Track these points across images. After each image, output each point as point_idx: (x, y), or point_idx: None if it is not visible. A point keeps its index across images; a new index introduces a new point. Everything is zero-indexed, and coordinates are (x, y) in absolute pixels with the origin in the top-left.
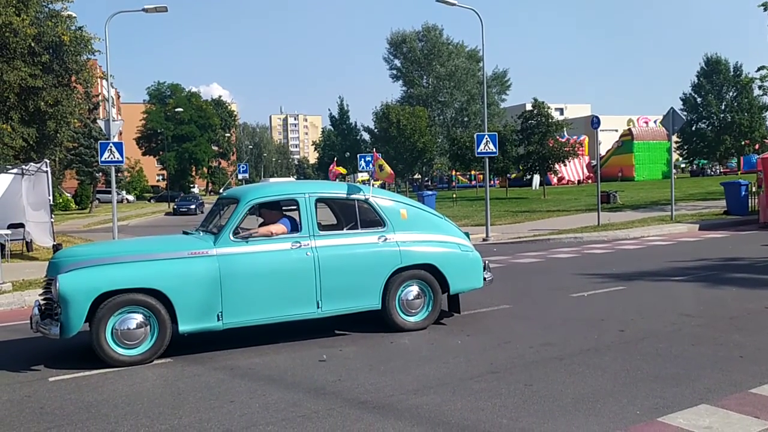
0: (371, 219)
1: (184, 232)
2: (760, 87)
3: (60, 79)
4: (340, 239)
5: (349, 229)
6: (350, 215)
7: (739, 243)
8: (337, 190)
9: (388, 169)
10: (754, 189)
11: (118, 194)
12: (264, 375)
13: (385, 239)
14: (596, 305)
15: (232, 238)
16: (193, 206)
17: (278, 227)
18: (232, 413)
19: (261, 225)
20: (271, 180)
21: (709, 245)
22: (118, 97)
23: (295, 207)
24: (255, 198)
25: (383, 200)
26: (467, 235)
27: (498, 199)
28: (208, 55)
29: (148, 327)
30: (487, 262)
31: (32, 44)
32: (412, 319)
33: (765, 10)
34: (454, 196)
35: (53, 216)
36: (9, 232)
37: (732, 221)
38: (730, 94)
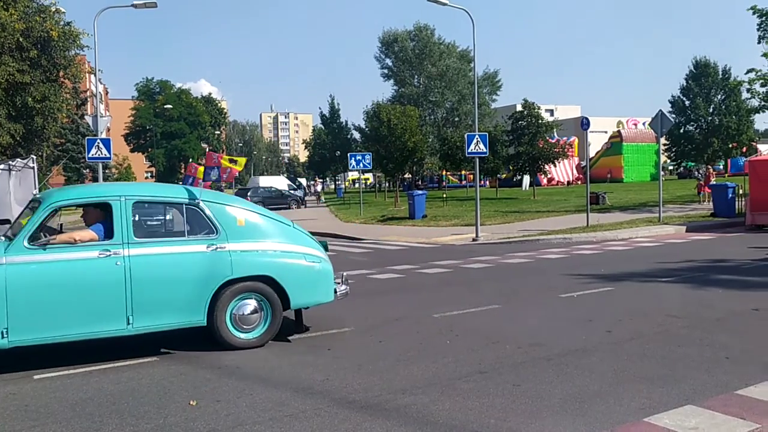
0: (201, 225)
1: None
2: (748, 90)
3: (48, 74)
4: (160, 248)
5: (174, 236)
6: (177, 221)
7: (725, 245)
8: (160, 192)
9: (241, 159)
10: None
11: None
12: (251, 374)
13: (216, 248)
14: (584, 306)
15: (27, 245)
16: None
17: (85, 233)
18: (219, 412)
19: (74, 230)
20: (261, 178)
21: (696, 247)
22: (107, 93)
23: (109, 211)
24: (57, 201)
25: (217, 205)
26: (324, 245)
27: (488, 200)
28: (195, 51)
29: None
30: (344, 274)
31: (20, 39)
32: (246, 335)
33: (754, 13)
34: (444, 196)
35: None
36: None
37: (719, 223)
38: (719, 97)
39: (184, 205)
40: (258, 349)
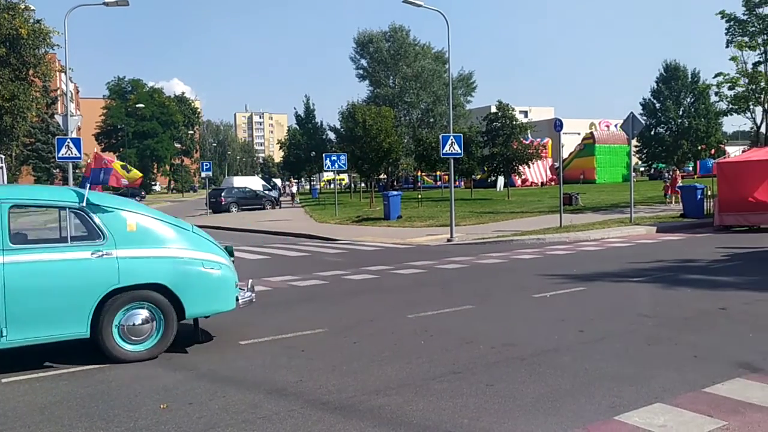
0: (87, 231)
1: None
2: (716, 93)
3: (17, 72)
4: (38, 254)
5: (55, 242)
6: (61, 226)
7: (695, 245)
8: (41, 195)
9: (135, 172)
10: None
11: None
12: (224, 376)
13: (102, 255)
14: (557, 306)
15: None
16: None
17: None
18: (191, 415)
19: None
20: (235, 179)
21: (666, 247)
22: (77, 92)
23: None
24: None
25: (105, 209)
26: (229, 250)
27: (463, 200)
28: (168, 50)
29: None
30: (250, 281)
31: None
32: (135, 348)
33: (722, 18)
34: (419, 196)
35: None
36: None
37: (688, 224)
38: (688, 100)
39: (67, 209)
40: (230, 350)
